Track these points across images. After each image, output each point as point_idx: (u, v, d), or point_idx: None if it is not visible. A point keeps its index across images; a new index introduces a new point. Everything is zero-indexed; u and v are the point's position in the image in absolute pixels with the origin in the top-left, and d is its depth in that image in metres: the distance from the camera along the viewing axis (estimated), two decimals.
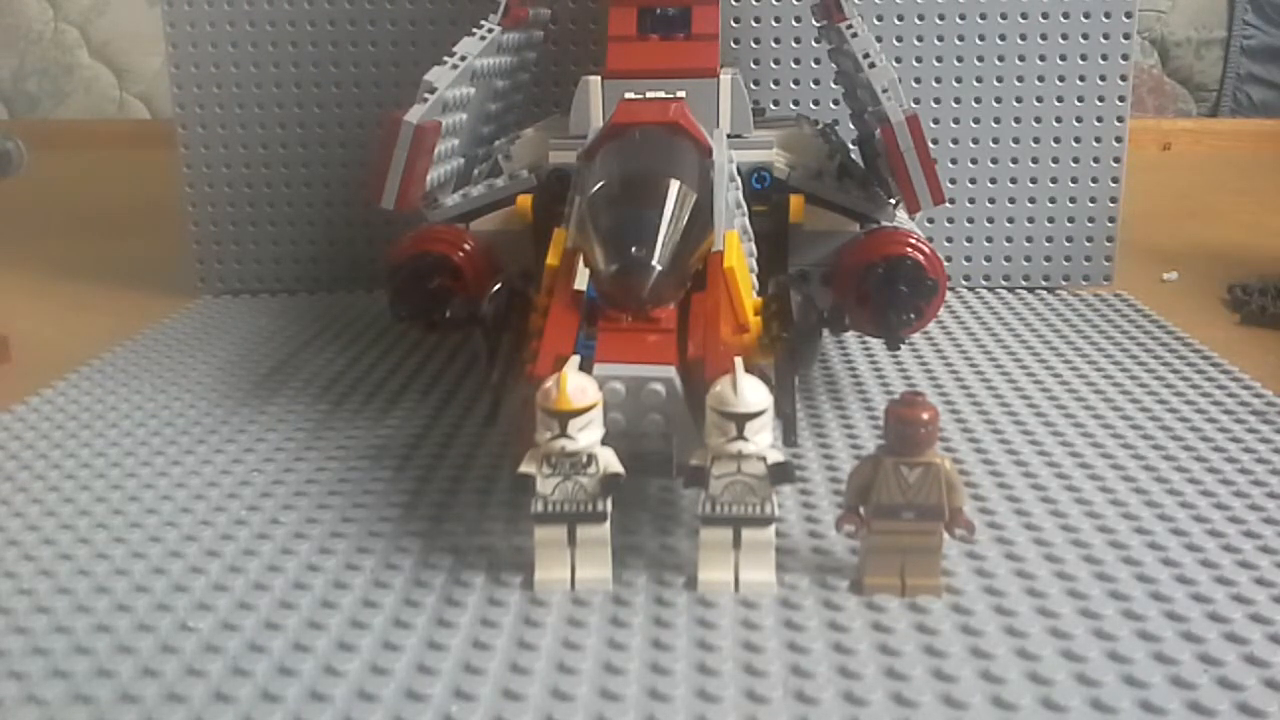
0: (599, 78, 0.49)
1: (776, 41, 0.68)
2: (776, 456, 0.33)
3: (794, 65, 0.68)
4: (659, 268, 0.35)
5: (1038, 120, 0.68)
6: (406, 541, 0.38)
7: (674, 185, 0.37)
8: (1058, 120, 0.68)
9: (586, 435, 0.33)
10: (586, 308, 0.38)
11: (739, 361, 0.33)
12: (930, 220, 0.68)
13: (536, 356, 0.35)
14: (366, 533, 0.38)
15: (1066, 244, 0.69)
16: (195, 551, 0.37)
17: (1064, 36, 0.67)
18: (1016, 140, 0.68)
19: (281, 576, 0.36)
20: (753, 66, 0.68)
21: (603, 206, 0.37)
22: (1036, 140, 0.68)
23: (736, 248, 0.40)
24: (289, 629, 0.33)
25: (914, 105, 0.45)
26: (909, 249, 0.46)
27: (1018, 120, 0.68)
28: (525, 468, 0.34)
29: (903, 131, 0.44)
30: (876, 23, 0.67)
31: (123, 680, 0.30)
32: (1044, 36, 0.67)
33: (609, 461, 0.34)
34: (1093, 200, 0.68)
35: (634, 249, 0.35)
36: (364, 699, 0.29)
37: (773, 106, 0.68)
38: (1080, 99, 0.67)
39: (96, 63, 1.45)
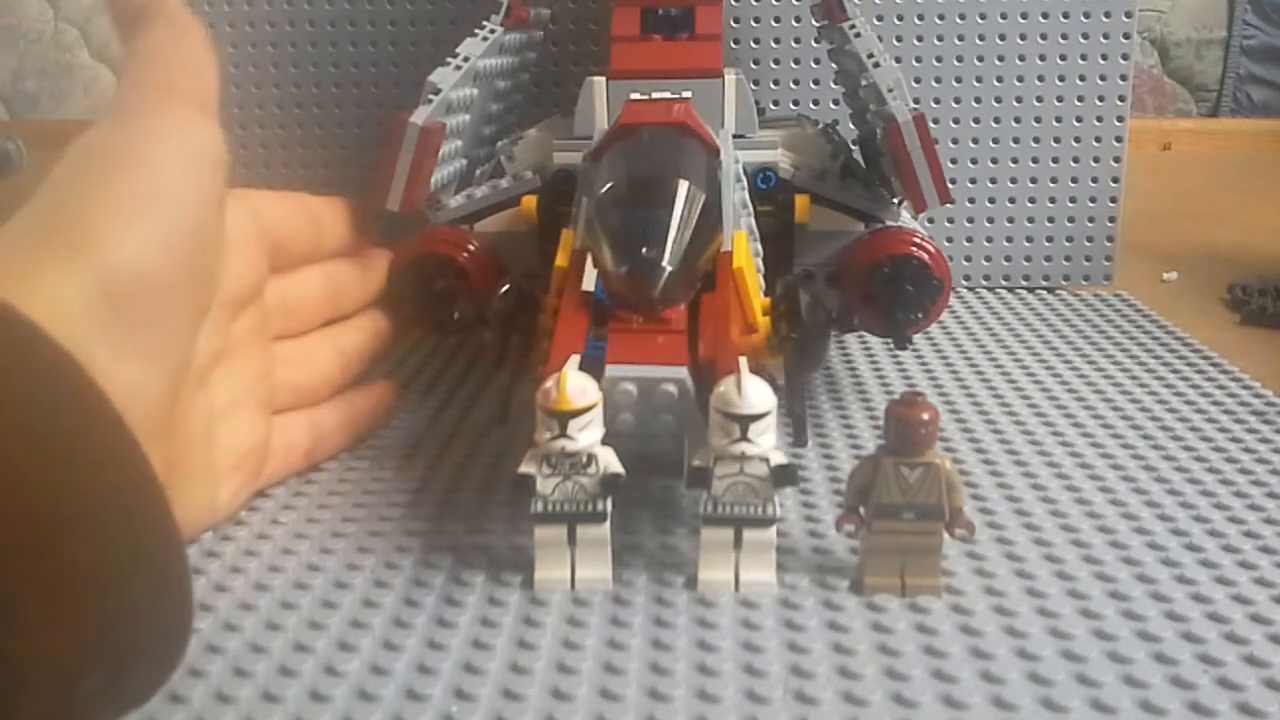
0: (604, 78, 0.48)
1: (776, 41, 0.68)
2: (780, 458, 0.33)
3: (794, 65, 0.68)
4: (669, 268, 0.35)
5: (1038, 120, 0.68)
6: (406, 541, 0.38)
7: (683, 185, 0.37)
8: (1058, 120, 0.68)
9: (586, 435, 0.33)
10: (595, 309, 0.38)
11: (743, 362, 0.33)
12: (930, 220, 0.68)
13: (547, 358, 0.35)
14: (366, 533, 0.38)
15: (1066, 244, 0.69)
16: (195, 552, 0.37)
17: (1064, 36, 0.67)
18: (1016, 140, 0.68)
19: (281, 576, 0.36)
20: (753, 66, 0.68)
21: (611, 207, 0.37)
22: (1036, 140, 0.68)
23: (744, 248, 0.40)
24: (289, 629, 0.33)
25: (915, 105, 0.45)
26: (914, 248, 0.46)
27: (1018, 120, 0.68)
28: (525, 468, 0.34)
29: (909, 131, 0.44)
30: (877, 22, 0.67)
31: None
32: (1044, 36, 0.67)
33: (609, 461, 0.34)
34: (1093, 200, 0.68)
35: (644, 249, 0.35)
36: (364, 699, 0.29)
37: (773, 106, 0.68)
38: (1080, 99, 0.67)
39: (96, 63, 1.45)
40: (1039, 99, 0.67)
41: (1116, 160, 0.68)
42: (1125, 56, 0.67)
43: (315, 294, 0.44)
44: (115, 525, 0.24)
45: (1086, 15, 0.66)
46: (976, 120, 0.68)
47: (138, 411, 0.26)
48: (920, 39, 0.67)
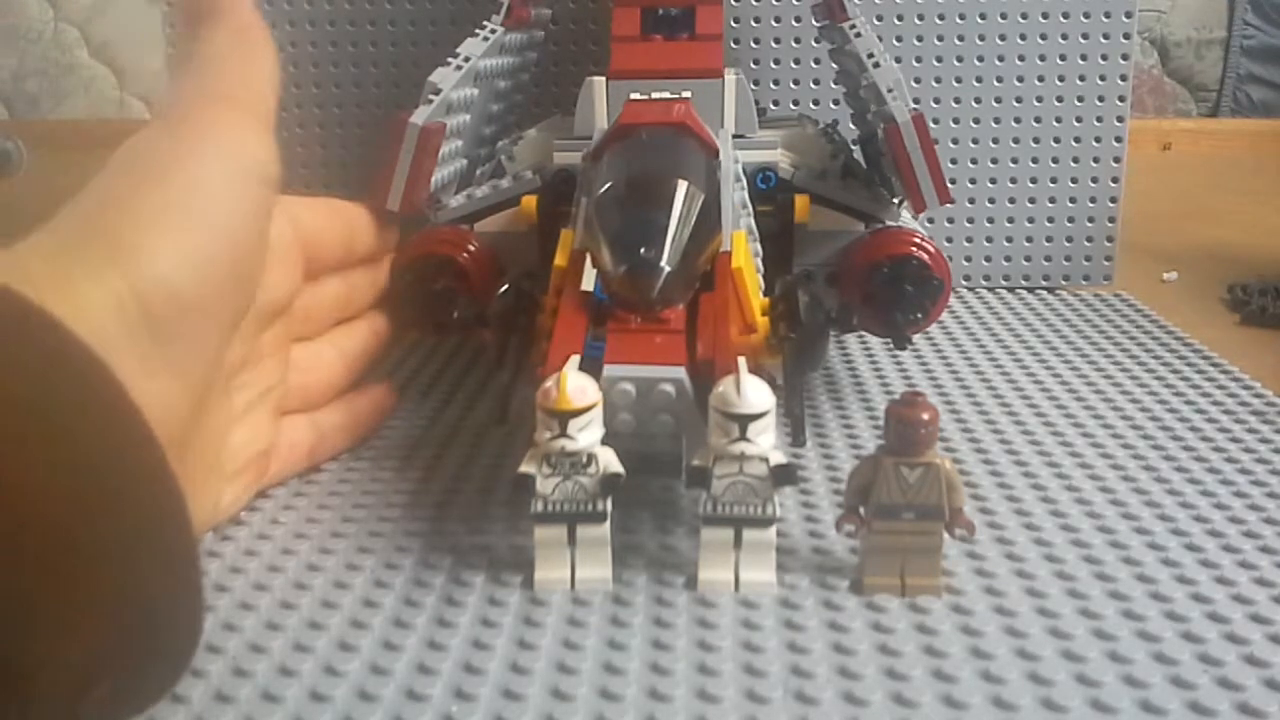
0: (604, 79, 0.49)
1: (776, 41, 0.68)
2: (779, 458, 0.33)
3: (794, 65, 0.68)
4: (668, 268, 0.35)
5: (1038, 120, 0.68)
6: (406, 541, 0.38)
7: (682, 185, 0.37)
8: (1058, 120, 0.68)
9: (586, 435, 0.33)
10: (594, 309, 0.38)
11: (742, 362, 0.33)
12: (930, 220, 0.68)
13: (546, 358, 0.35)
14: (366, 533, 0.38)
15: (1066, 244, 0.69)
16: None
17: (1064, 36, 0.67)
18: (1016, 140, 0.68)
19: (281, 576, 0.36)
20: (753, 66, 0.68)
21: (610, 207, 0.37)
22: (1036, 140, 0.68)
23: (744, 248, 0.40)
24: (289, 629, 0.33)
25: (915, 105, 0.45)
26: (914, 248, 0.46)
27: (1018, 120, 0.68)
28: (525, 468, 0.34)
29: (909, 131, 0.44)
30: (876, 22, 0.67)
31: None
32: (1044, 36, 0.67)
33: (609, 461, 0.34)
34: (1093, 200, 0.69)
35: (643, 249, 0.35)
36: (364, 699, 0.29)
37: (773, 106, 0.68)
38: (1080, 99, 0.67)
39: (96, 63, 1.45)
40: (1039, 99, 0.67)
41: (1116, 160, 0.68)
42: (1125, 56, 0.67)
43: (331, 299, 0.43)
44: (140, 536, 0.24)
45: (1086, 15, 0.66)
46: (976, 120, 0.68)
47: (162, 424, 0.26)
48: (920, 39, 0.67)
